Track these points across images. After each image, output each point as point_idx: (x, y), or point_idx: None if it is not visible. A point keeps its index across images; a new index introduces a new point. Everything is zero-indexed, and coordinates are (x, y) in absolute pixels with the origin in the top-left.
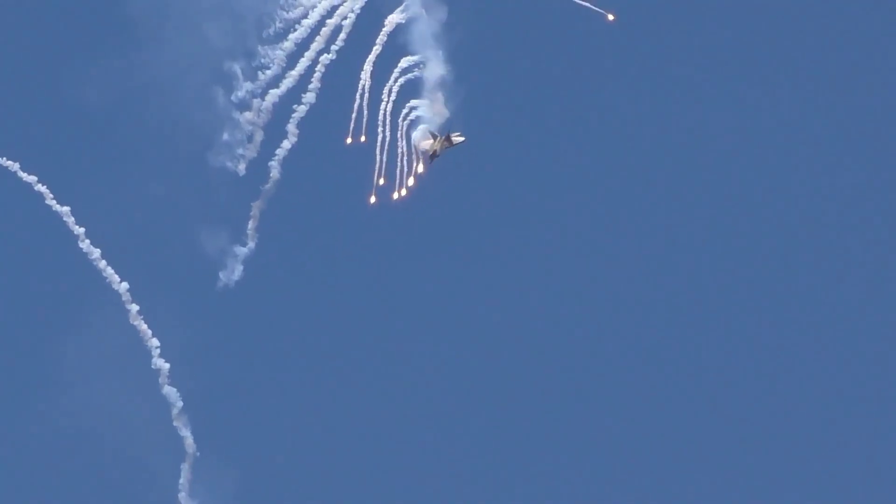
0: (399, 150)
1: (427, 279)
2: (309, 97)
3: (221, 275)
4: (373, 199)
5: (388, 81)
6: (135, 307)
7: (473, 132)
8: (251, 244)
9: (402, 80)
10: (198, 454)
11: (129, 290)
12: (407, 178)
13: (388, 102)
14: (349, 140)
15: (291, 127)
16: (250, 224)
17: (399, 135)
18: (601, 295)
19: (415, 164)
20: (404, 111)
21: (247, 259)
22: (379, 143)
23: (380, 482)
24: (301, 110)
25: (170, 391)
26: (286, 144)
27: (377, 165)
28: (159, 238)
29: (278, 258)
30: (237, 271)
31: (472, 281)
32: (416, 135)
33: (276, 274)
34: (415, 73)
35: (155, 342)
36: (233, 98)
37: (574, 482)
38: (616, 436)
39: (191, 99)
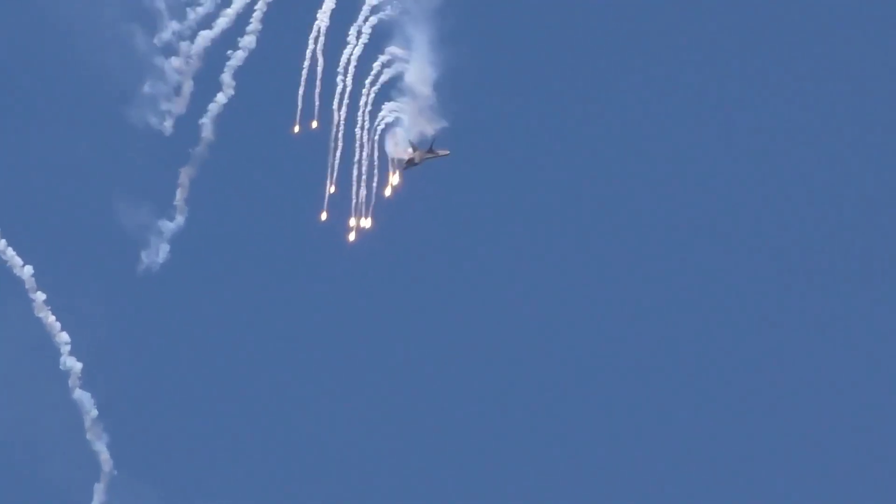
0: (360, 140)
1: (375, 262)
2: (248, 41)
3: (143, 255)
4: (323, 216)
5: (354, 22)
6: (40, 296)
7: (462, 107)
8: (179, 219)
9: (372, 19)
10: (114, 472)
11: (33, 276)
12: (366, 205)
13: (354, 47)
14: (296, 128)
15: (227, 77)
16: (178, 194)
17: (363, 110)
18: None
19: (376, 188)
20: (375, 68)
21: (174, 236)
22: (335, 123)
23: (317, 497)
24: (238, 57)
25: (82, 396)
26: (220, 98)
27: (331, 162)
28: (69, 212)
29: (211, 235)
30: (162, 251)
31: (432, 278)
32: (390, 143)
33: (209, 254)
34: (387, 13)
35: (64, 337)
36: (156, 41)
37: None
38: (612, 440)
39: (104, 41)
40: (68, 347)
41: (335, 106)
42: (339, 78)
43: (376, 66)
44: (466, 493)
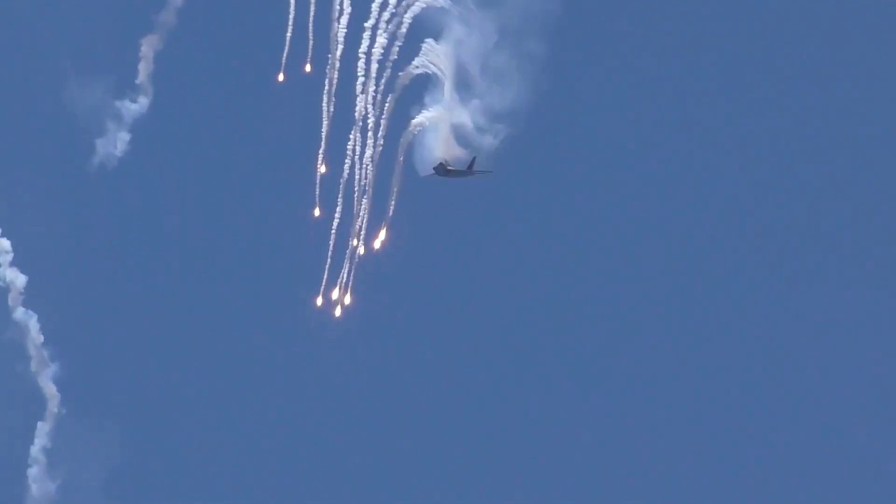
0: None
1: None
2: None
3: (98, 145)
4: (317, 212)
5: None
6: None
7: None
8: (142, 100)
9: None
10: (62, 410)
11: None
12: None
13: None
14: (281, 76)
15: None
16: (140, 70)
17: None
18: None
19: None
20: None
21: (136, 122)
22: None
23: (280, 436)
24: None
25: (25, 317)
26: None
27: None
28: (9, 94)
29: (179, 121)
30: (121, 141)
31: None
32: (425, 151)
33: (176, 144)
34: None
35: (4, 245)
36: None
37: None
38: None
39: None
40: (9, 257)
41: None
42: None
43: None
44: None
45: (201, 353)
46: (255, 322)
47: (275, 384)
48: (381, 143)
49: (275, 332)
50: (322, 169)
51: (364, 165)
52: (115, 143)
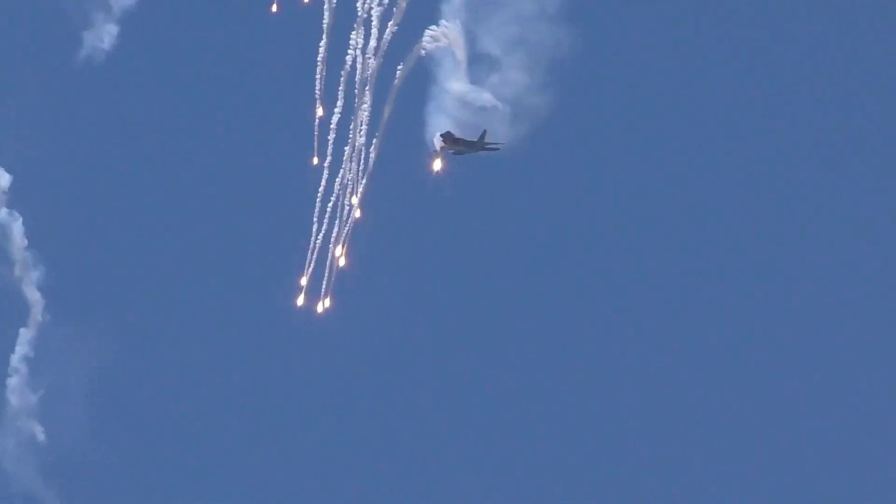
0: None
1: None
2: None
3: (86, 38)
4: (315, 161)
5: None
6: None
7: None
8: None
9: None
10: (46, 316)
11: None
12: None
13: None
14: (274, 7)
15: None
16: None
17: None
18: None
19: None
20: None
21: (124, 14)
22: None
23: (274, 350)
24: None
25: (9, 217)
26: None
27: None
28: None
29: (169, 13)
30: (109, 34)
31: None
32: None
33: (167, 38)
34: None
35: None
36: None
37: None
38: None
39: None
40: None
41: None
42: None
43: None
44: None
45: (188, 255)
46: (244, 233)
47: (265, 306)
48: (393, 32)
49: (266, 250)
50: (320, 112)
51: (366, 58)
52: (103, 36)
